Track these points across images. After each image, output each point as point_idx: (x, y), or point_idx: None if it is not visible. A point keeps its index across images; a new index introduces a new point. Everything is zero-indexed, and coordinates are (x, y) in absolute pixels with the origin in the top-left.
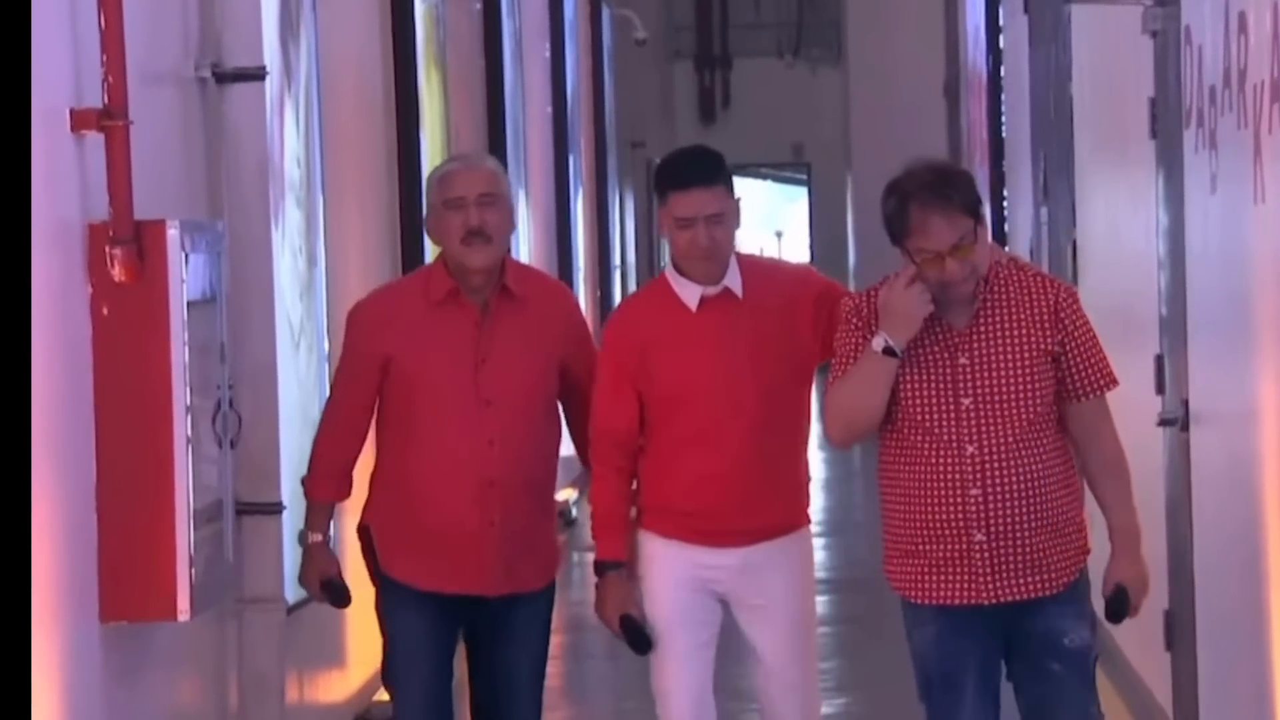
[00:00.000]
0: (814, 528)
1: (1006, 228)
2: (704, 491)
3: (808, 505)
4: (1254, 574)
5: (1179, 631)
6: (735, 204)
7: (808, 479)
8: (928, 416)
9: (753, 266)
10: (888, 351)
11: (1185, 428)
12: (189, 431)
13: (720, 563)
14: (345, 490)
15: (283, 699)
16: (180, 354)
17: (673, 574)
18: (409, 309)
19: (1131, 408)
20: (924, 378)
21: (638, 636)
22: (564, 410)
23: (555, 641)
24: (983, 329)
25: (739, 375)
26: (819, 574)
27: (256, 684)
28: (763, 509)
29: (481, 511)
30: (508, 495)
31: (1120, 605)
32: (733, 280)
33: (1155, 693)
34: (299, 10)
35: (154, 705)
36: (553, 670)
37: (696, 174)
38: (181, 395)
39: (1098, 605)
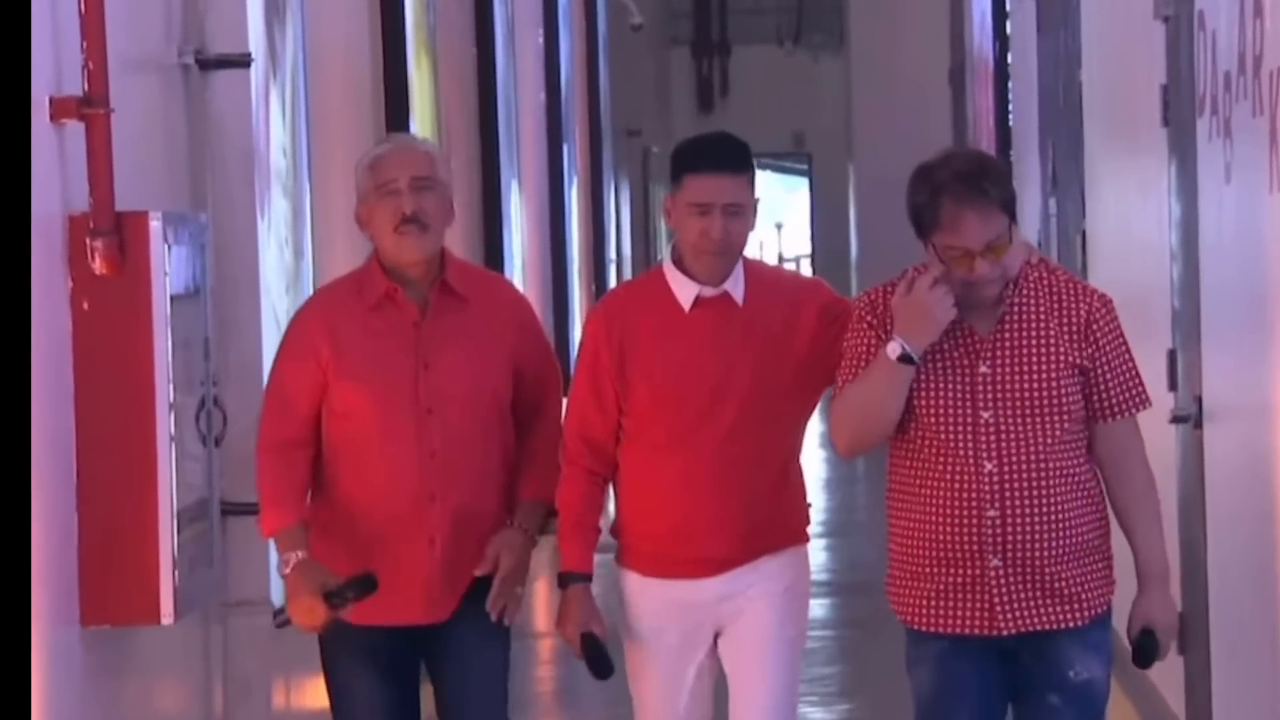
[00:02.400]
0: (815, 529)
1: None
2: (675, 510)
3: (804, 525)
4: (1270, 575)
5: (1192, 635)
6: (755, 201)
7: (803, 502)
8: (943, 429)
9: (758, 273)
10: (904, 359)
11: (1199, 425)
12: (172, 429)
13: (702, 598)
14: (305, 508)
15: (269, 705)
16: (163, 349)
17: (654, 617)
18: (342, 314)
19: None
20: (941, 387)
21: (599, 659)
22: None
23: (547, 645)
24: (1007, 336)
25: (722, 385)
26: (820, 576)
27: (242, 690)
28: (740, 532)
29: (421, 530)
30: (450, 512)
31: (1149, 650)
32: (734, 284)
33: (1168, 698)
34: None
35: (136, 711)
36: (544, 675)
37: (719, 158)
38: (164, 392)
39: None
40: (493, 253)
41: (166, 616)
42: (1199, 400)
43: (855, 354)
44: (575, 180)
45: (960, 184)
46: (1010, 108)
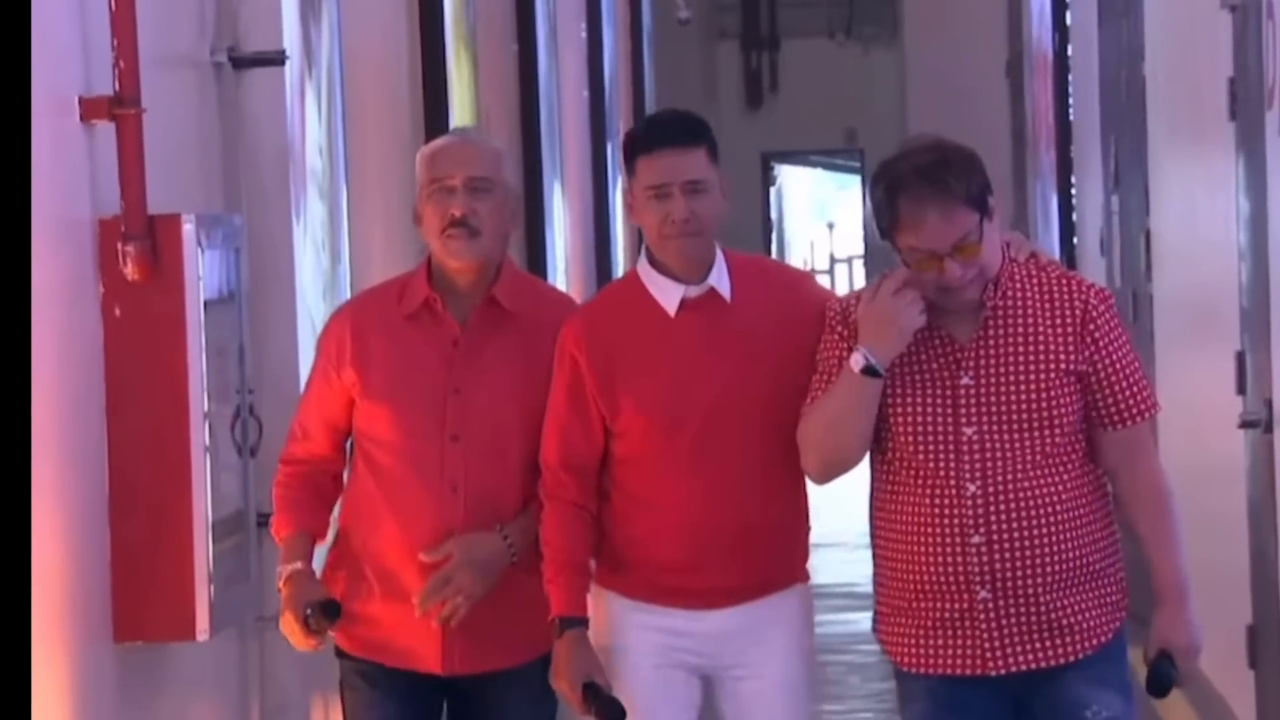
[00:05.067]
0: (860, 537)
1: (1075, 217)
2: (677, 539)
3: (805, 558)
4: None
5: (1263, 647)
6: (720, 179)
7: (806, 526)
8: (922, 448)
9: (743, 265)
10: (868, 371)
11: (1269, 429)
12: (207, 439)
13: (697, 629)
14: (320, 520)
15: None
16: (197, 356)
17: (639, 645)
18: (376, 324)
19: (1211, 409)
20: (918, 401)
21: (607, 705)
22: None
23: None
24: (991, 343)
25: (723, 397)
26: (866, 588)
27: (279, 708)
28: (748, 561)
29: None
30: None
31: (1165, 676)
32: (719, 279)
33: (1237, 712)
34: None
35: None
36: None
37: (670, 134)
38: (199, 400)
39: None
40: (535, 254)
41: (201, 633)
42: (1269, 404)
43: (825, 367)
44: (619, 179)
45: (918, 179)
46: (1070, 102)
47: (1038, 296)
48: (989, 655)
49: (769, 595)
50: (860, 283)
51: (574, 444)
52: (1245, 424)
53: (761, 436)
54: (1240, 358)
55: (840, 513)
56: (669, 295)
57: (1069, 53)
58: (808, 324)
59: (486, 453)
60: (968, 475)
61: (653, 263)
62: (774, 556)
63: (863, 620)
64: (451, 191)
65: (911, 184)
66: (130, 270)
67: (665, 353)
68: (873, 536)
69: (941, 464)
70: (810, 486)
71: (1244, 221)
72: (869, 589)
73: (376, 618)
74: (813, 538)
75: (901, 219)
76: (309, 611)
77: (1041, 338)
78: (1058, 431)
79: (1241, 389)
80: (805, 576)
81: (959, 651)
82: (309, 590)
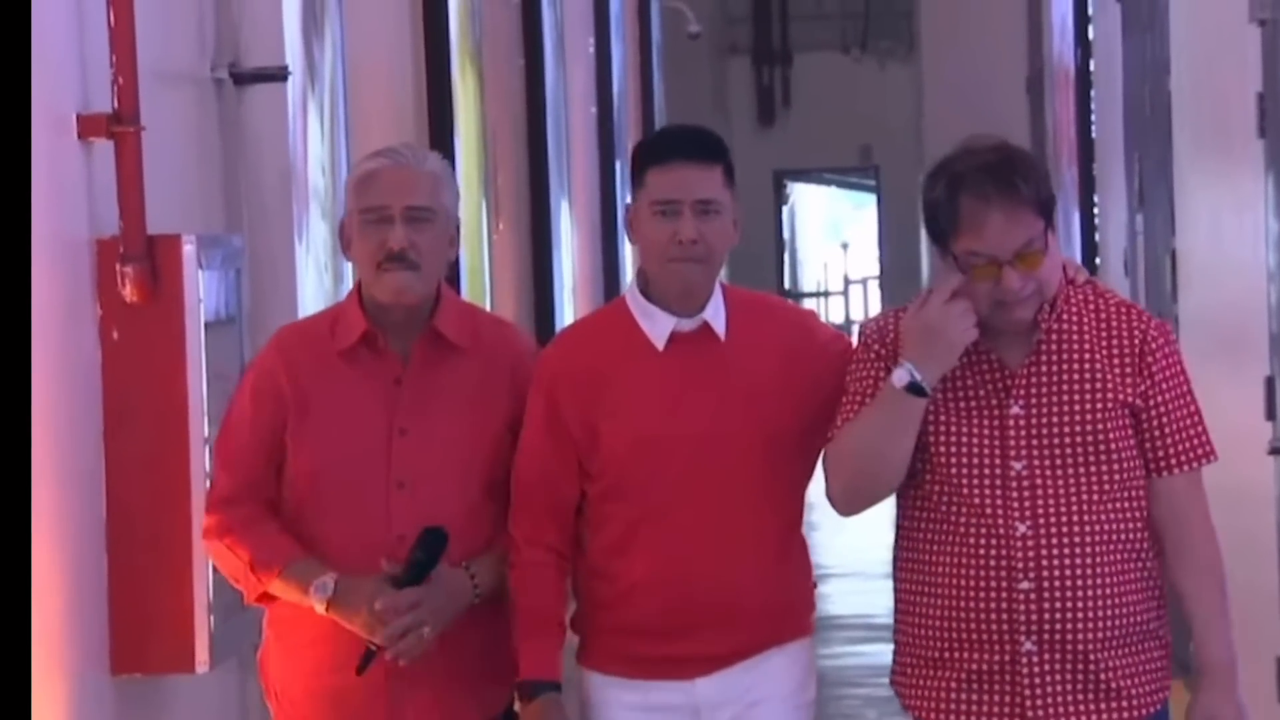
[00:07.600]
0: (871, 565)
1: (1098, 237)
2: (659, 596)
3: (809, 611)
4: None
5: None
6: (734, 207)
7: (808, 581)
8: (966, 482)
9: (743, 301)
10: (913, 388)
11: None
12: (207, 465)
13: (686, 702)
14: (300, 547)
15: None
16: (197, 380)
17: None
18: (309, 360)
19: (1239, 435)
20: (964, 430)
21: None
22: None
23: None
24: (1044, 370)
25: (711, 440)
26: (883, 619)
27: None
28: (735, 623)
29: None
30: None
31: None
32: (714, 314)
33: None
34: (323, 5)
35: None
36: None
37: (686, 146)
38: (199, 425)
39: None
40: (542, 275)
41: (201, 664)
42: None
43: (859, 389)
44: (629, 197)
45: (985, 177)
46: (1093, 118)
47: (1094, 324)
48: (1029, 713)
49: (760, 653)
50: (875, 304)
51: (553, 481)
52: (1275, 450)
53: (756, 483)
54: (1269, 383)
55: (855, 541)
56: (659, 327)
57: (1091, 67)
58: (813, 363)
59: (439, 499)
60: (1016, 514)
61: (644, 291)
62: (766, 616)
63: (879, 653)
64: (388, 222)
65: (976, 181)
66: (129, 292)
67: (650, 390)
68: (898, 578)
69: (988, 501)
70: (817, 515)
71: (1273, 242)
72: (886, 620)
73: (315, 692)
74: (827, 567)
75: (962, 219)
76: (408, 562)
77: (1099, 367)
78: (1115, 469)
79: (1271, 414)
80: (807, 630)
81: (996, 709)
82: (368, 581)
